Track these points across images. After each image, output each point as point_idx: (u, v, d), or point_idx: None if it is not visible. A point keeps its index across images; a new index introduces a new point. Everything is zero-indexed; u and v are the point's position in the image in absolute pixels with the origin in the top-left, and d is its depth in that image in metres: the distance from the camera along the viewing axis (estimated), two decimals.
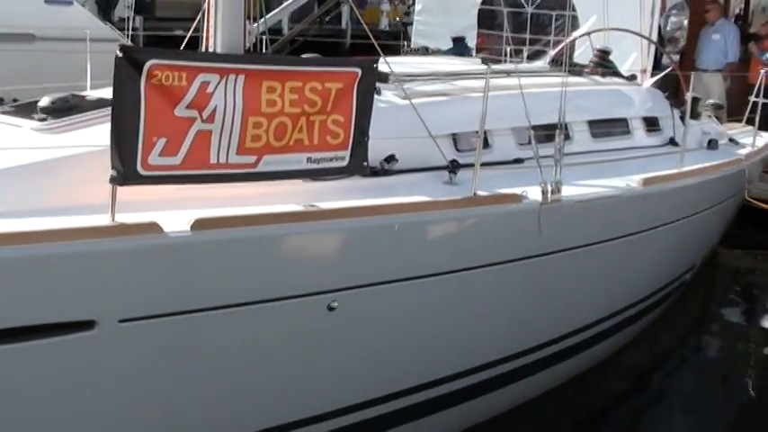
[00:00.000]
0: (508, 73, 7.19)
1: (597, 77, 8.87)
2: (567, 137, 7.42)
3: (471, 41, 14.20)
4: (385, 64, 5.64)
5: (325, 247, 5.13)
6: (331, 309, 5.10)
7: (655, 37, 12.68)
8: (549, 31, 13.81)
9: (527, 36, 13.98)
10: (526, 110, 6.02)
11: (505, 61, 10.17)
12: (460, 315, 5.92)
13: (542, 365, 6.80)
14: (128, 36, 11.08)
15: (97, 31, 12.41)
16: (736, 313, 11.12)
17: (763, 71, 11.97)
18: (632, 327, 8.13)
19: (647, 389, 8.46)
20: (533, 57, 12.73)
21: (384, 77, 6.45)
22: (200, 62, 4.53)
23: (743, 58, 14.28)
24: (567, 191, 6.31)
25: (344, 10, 36.48)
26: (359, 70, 5.08)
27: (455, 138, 6.49)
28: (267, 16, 6.59)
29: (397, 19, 29.20)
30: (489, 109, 6.31)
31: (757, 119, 10.08)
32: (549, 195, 5.96)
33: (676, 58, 15.76)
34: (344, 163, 5.20)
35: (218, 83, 4.54)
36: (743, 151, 9.58)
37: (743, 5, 17.77)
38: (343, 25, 34.68)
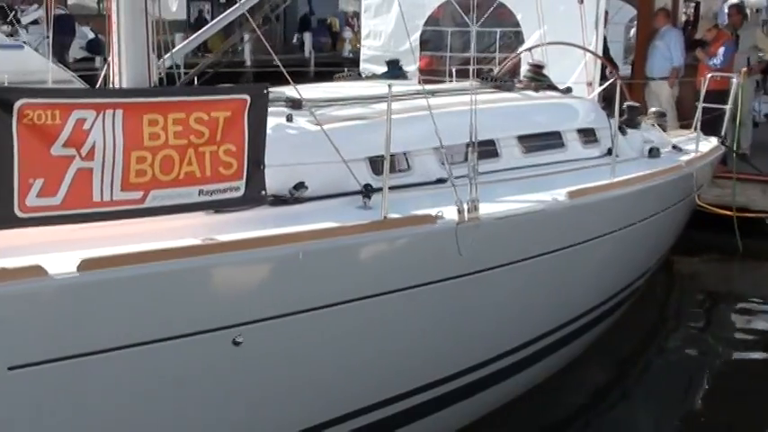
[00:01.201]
0: (413, 94, 7.06)
1: (530, 92, 8.73)
2: (496, 153, 7.32)
3: (414, 64, 14.17)
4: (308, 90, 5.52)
5: (226, 281, 4.96)
6: (236, 343, 4.92)
7: (600, 49, 12.64)
8: (493, 49, 13.72)
9: (472, 54, 13.90)
10: (436, 129, 5.88)
11: (450, 81, 10.07)
12: (378, 342, 5.76)
13: (476, 388, 6.63)
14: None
15: (50, 74, 12.33)
16: (692, 318, 11.02)
17: (708, 76, 11.92)
18: (580, 339, 7.95)
19: (604, 398, 8.45)
20: (480, 75, 12.64)
21: (297, 104, 6.36)
22: (74, 99, 4.39)
23: (692, 64, 14.20)
24: (492, 208, 6.20)
25: (307, 39, 36.81)
26: (247, 97, 4.95)
27: (372, 161, 6.35)
28: (174, 50, 6.42)
29: (358, 46, 29.06)
30: (409, 131, 6.20)
31: (697, 123, 9.95)
32: (466, 214, 5.81)
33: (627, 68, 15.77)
34: (240, 193, 5.05)
35: (95, 119, 4.39)
36: (685, 158, 9.45)
37: (692, 12, 17.76)
38: (306, 54, 34.78)
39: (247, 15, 6.64)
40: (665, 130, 10.40)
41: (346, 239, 5.34)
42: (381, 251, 5.60)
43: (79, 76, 18.48)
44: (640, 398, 8.43)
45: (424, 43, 14.39)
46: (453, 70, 12.88)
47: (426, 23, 14.35)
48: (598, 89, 11.64)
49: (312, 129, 6.02)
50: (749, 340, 10.16)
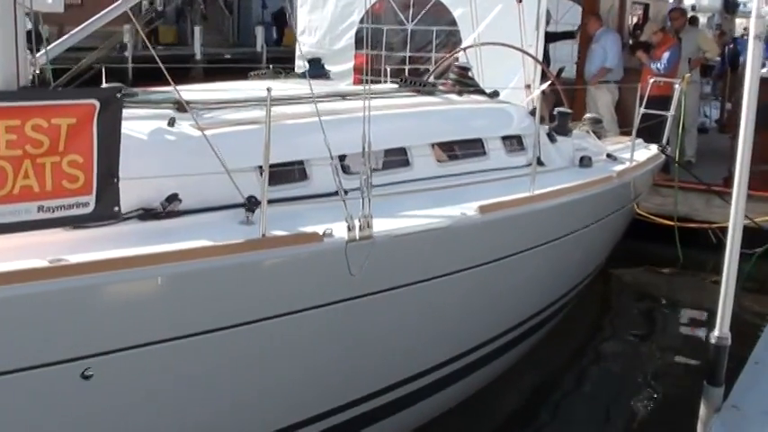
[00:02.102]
0: (293, 98, 6.52)
1: (452, 96, 8.19)
2: (406, 162, 6.79)
3: (349, 62, 13.67)
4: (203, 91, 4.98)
5: (74, 308, 4.38)
6: (86, 377, 4.37)
7: (539, 51, 12.17)
8: (429, 48, 13.22)
9: (407, 54, 13.41)
10: (325, 138, 5.30)
11: (384, 81, 9.54)
12: (258, 374, 5.20)
13: (373, 417, 6.08)
14: None
15: None
16: (628, 327, 10.55)
17: (651, 80, 11.44)
18: (501, 358, 7.42)
19: (535, 408, 8.08)
20: (414, 74, 12.20)
21: (182, 107, 5.81)
22: None
23: (635, 68, 13.74)
24: (394, 223, 5.67)
25: (259, 33, 36.01)
26: (96, 102, 4.36)
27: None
28: (50, 47, 5.83)
29: None
30: (308, 137, 5.65)
31: (634, 131, 9.45)
32: (357, 231, 5.26)
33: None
34: (89, 210, 4.49)
35: None
36: (619, 167, 8.94)
37: (641, 14, 17.30)
38: (258, 48, 34.04)
39: (129, 13, 6.03)
40: (600, 138, 9.87)
41: (215, 261, 4.76)
42: (258, 273, 5.04)
43: None
44: (573, 405, 8.21)
45: (360, 41, 13.81)
46: (388, 70, 12.38)
47: (363, 21, 13.78)
48: (534, 93, 11.18)
49: (195, 134, 5.45)
50: (686, 349, 9.72)
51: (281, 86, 7.74)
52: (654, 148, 10.74)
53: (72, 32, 6.39)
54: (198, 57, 32.56)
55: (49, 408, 4.45)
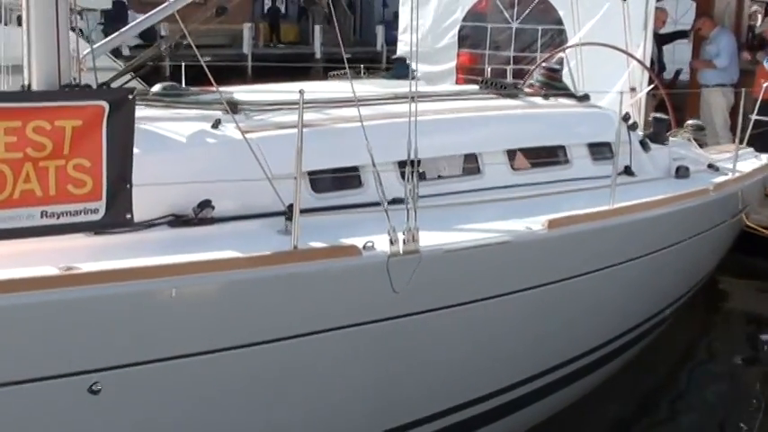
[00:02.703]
0: (331, 101, 6.23)
1: (537, 99, 7.70)
2: (477, 170, 6.36)
3: (452, 61, 13.28)
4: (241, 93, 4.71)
5: (85, 319, 4.10)
6: (93, 392, 4.09)
7: (647, 53, 11.55)
8: (534, 48, 12.70)
9: (511, 53, 12.93)
10: (368, 143, 4.94)
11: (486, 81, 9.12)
12: (278, 395, 4.85)
13: None
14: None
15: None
16: (730, 351, 9.82)
17: (765, 84, 10.72)
18: (572, 386, 6.90)
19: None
20: (518, 75, 11.74)
21: (233, 107, 5.52)
22: None
23: (749, 70, 12.92)
24: (446, 237, 5.26)
25: (379, 32, 35.78)
26: (104, 104, 4.07)
27: (312, 177, 5.47)
28: (96, 45, 5.60)
29: None
30: (364, 139, 5.30)
31: (739, 138, 8.79)
32: (401, 245, 4.86)
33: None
34: (99, 216, 4.21)
35: None
36: (720, 179, 8.29)
37: (763, 11, 16.32)
38: (378, 47, 33.75)
39: (176, 15, 5.76)
40: (701, 146, 9.20)
41: (238, 274, 4.43)
42: (289, 288, 4.68)
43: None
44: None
45: (463, 39, 13.39)
46: (488, 69, 11.95)
47: (466, 18, 13.35)
48: (636, 96, 10.58)
49: (239, 137, 5.12)
50: None
51: (356, 87, 7.38)
52: (765, 158, 10.01)
53: (118, 32, 6.15)
54: (317, 56, 32.53)
55: (56, 423, 4.19)
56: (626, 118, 7.94)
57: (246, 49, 30.82)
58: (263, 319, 4.63)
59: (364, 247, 4.86)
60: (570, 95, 8.14)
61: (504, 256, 5.51)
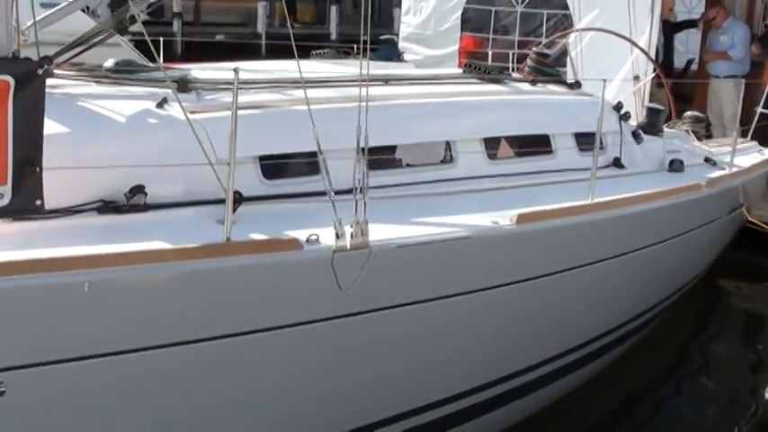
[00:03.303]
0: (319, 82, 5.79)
1: (523, 85, 7.31)
2: (449, 159, 5.99)
3: (454, 44, 12.92)
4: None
5: None
6: None
7: (652, 40, 11.14)
8: (540, 32, 12.31)
9: (515, 38, 12.55)
10: (315, 129, 4.56)
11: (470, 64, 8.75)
12: (206, 396, 4.51)
13: None
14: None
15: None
16: (727, 352, 9.48)
17: None
18: (545, 389, 6.53)
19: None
20: (522, 60, 11.38)
21: (183, 85, 5.18)
22: None
23: (756, 62, 12.47)
24: (404, 230, 4.89)
25: (396, 14, 35.27)
26: (9, 79, 3.72)
27: (264, 162, 5.12)
28: (39, 17, 5.25)
29: None
30: (326, 126, 4.94)
31: (735, 133, 8.37)
32: (348, 239, 4.50)
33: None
34: (5, 201, 3.86)
35: None
36: (716, 173, 7.88)
37: None
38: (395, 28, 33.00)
39: None
40: (700, 139, 8.78)
41: (159, 267, 4.08)
42: (218, 284, 4.33)
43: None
44: None
45: (467, 22, 13.01)
46: (490, 54, 11.61)
47: (470, 1, 12.97)
48: (639, 85, 10.20)
49: (194, 118, 4.78)
50: None
51: (329, 68, 7.02)
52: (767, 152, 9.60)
53: (61, 6, 5.81)
54: (333, 36, 32.13)
55: None
56: (618, 107, 7.57)
57: (261, 27, 30.42)
58: (188, 317, 4.28)
59: (307, 240, 4.51)
60: (561, 82, 7.74)
61: (466, 252, 5.14)
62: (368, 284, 4.66)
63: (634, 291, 7.04)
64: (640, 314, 7.54)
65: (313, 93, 5.71)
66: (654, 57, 11.29)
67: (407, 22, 13.67)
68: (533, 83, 7.48)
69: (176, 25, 28.04)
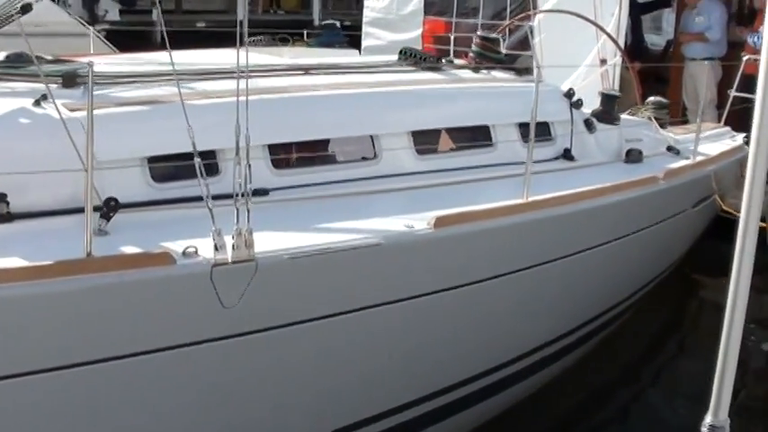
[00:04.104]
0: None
1: (465, 73, 6.78)
2: (373, 155, 5.48)
3: (417, 29, 12.40)
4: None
5: None
6: None
7: (621, 22, 10.61)
8: (504, 15, 11.77)
9: (479, 21, 12.00)
10: (190, 130, 4.04)
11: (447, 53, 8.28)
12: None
13: None
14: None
15: (63, 27, 11.00)
16: (699, 347, 8.75)
17: (744, 58, 9.75)
18: (477, 407, 5.99)
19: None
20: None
21: (69, 81, 4.68)
22: None
23: (739, 42, 11.90)
24: (302, 239, 4.36)
25: None
26: None
27: (153, 164, 4.62)
28: None
29: None
30: (228, 121, 4.43)
31: (698, 120, 7.83)
32: (230, 252, 3.98)
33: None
34: None
35: None
36: (678, 164, 7.34)
37: None
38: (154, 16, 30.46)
39: None
40: (664, 126, 8.22)
41: (7, 288, 3.58)
42: (77, 305, 3.81)
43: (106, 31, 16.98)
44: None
45: (430, 6, 12.47)
46: (452, 38, 11.07)
47: None
48: (602, 69, 9.67)
49: (66, 116, 4.29)
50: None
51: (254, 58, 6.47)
52: (740, 138, 9.04)
53: None
54: (316, 23, 31.49)
55: None
56: (569, 94, 7.04)
57: (241, 14, 29.66)
58: (44, 342, 3.77)
59: (184, 253, 3.99)
60: (508, 68, 7.21)
61: (375, 261, 4.61)
62: (256, 301, 4.15)
63: (582, 294, 6.51)
64: (597, 316, 7.01)
65: (221, 85, 5.25)
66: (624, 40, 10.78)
67: (371, 6, 13.15)
68: (476, 69, 6.95)
69: (155, 13, 27.38)
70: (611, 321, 7.48)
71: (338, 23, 9.10)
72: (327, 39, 8.54)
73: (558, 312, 6.29)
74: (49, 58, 5.49)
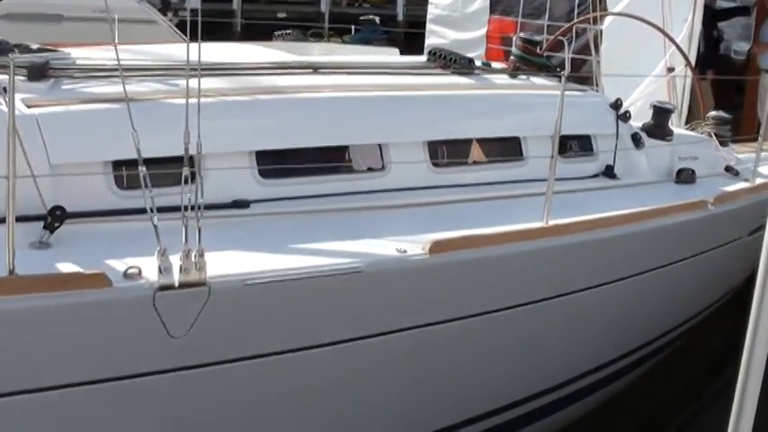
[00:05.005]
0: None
1: (498, 78, 6.21)
2: (381, 167, 4.97)
3: (482, 28, 11.81)
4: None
5: None
6: None
7: (695, 29, 9.88)
8: (572, 16, 11.10)
9: (545, 22, 11.37)
10: (135, 135, 3.57)
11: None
12: None
13: None
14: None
15: (131, 13, 10.80)
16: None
17: None
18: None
19: None
20: (553, 48, 10.25)
21: (36, 72, 4.28)
22: None
23: None
24: (273, 261, 3.90)
25: None
26: None
27: (118, 172, 4.19)
28: None
29: None
30: (213, 124, 4.01)
31: (761, 139, 7.11)
32: (176, 275, 3.50)
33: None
34: None
35: None
36: (734, 186, 6.66)
37: None
38: (234, 5, 29.39)
39: None
40: (725, 143, 7.48)
41: None
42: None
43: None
44: None
45: (495, 4, 11.86)
46: (514, 40, 10.46)
47: None
48: (666, 78, 8.98)
49: (24, 113, 3.89)
50: None
51: (273, 53, 6.01)
52: None
53: None
54: (400, 18, 30.95)
55: None
56: (617, 105, 6.42)
57: (324, 6, 29.34)
58: None
59: (125, 274, 3.52)
60: (552, 74, 6.61)
61: (355, 290, 4.09)
62: (210, 332, 3.66)
63: (613, 328, 5.89)
64: (635, 349, 6.38)
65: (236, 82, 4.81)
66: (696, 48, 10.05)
67: (435, 3, 12.56)
68: (514, 75, 6.36)
69: (235, 2, 27.15)
70: (658, 351, 6.84)
71: (377, 19, 8.45)
72: (365, 35, 8.00)
73: (583, 348, 5.69)
74: (35, 46, 5.07)
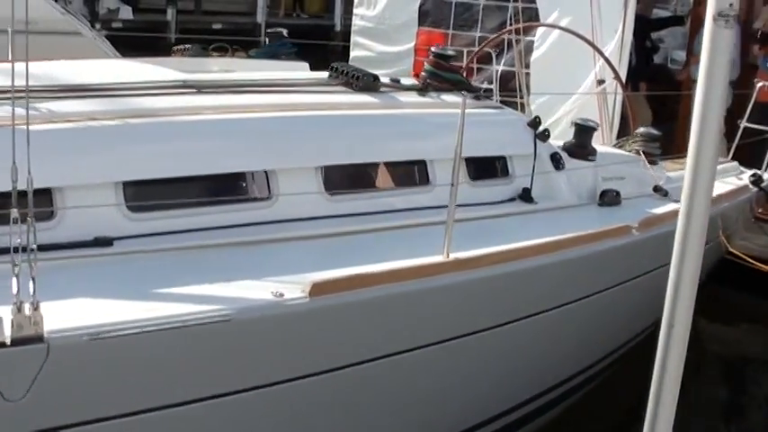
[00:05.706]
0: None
1: (405, 96, 5.79)
2: (267, 196, 4.53)
3: (411, 41, 11.46)
4: None
5: None
6: None
7: (625, 40, 9.61)
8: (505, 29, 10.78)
9: (477, 34, 11.04)
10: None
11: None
12: None
13: None
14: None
15: (51, 24, 10.22)
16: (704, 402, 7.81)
17: (758, 84, 8.68)
18: None
19: None
20: (483, 60, 9.96)
21: None
22: None
23: (754, 65, 10.80)
24: (131, 311, 3.43)
25: None
26: None
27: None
28: None
29: None
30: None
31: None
32: (8, 329, 3.05)
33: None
34: None
35: None
36: (661, 209, 6.28)
37: None
38: (168, 16, 28.76)
39: None
40: (654, 162, 7.09)
41: None
42: None
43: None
44: None
45: (424, 16, 11.50)
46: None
47: None
48: (598, 89, 8.68)
49: None
50: None
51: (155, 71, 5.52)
52: (746, 177, 7.97)
53: None
54: (338, 28, 30.47)
55: None
56: (535, 123, 6.04)
57: (260, 17, 28.84)
58: None
59: None
60: (464, 90, 6.19)
61: (222, 341, 3.64)
62: (52, 393, 3.20)
63: (531, 366, 5.48)
64: (546, 390, 5.96)
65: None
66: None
67: (360, 14, 12.17)
68: (423, 92, 5.94)
69: (170, 13, 26.52)
70: (580, 386, 6.45)
71: (285, 32, 7.98)
72: (272, 49, 7.54)
73: (496, 389, 5.28)
74: None
